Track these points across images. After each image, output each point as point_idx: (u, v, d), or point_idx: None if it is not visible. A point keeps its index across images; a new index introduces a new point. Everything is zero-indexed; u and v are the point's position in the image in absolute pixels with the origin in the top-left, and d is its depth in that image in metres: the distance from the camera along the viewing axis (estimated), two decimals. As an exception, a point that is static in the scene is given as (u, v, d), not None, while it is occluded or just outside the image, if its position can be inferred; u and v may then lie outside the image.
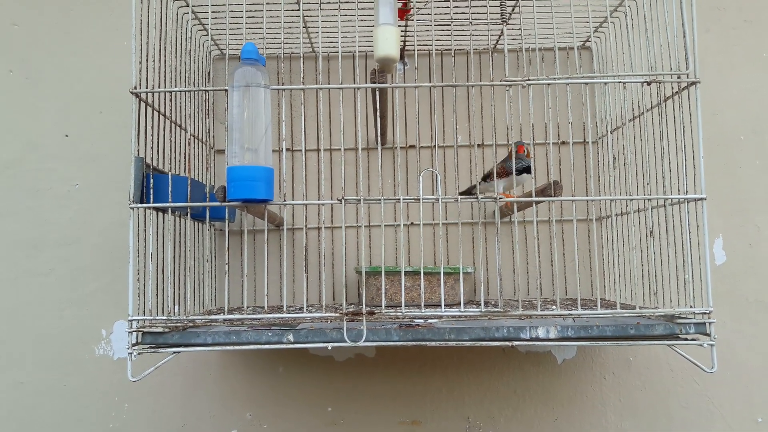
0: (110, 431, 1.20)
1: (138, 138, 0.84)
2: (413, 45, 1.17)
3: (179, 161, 0.98)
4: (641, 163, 0.99)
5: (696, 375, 1.20)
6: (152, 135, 0.88)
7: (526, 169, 1.02)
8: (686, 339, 0.84)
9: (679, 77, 0.86)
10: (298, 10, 0.98)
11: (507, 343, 0.82)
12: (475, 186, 1.07)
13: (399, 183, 1.11)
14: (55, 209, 1.23)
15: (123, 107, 1.23)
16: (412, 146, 1.23)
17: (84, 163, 1.24)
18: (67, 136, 1.24)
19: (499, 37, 1.18)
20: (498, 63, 1.24)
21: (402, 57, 1.22)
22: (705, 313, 0.84)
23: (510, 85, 0.83)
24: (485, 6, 0.97)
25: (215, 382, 1.21)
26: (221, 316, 0.84)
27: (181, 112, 1.00)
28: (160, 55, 0.91)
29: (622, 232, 1.10)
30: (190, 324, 0.86)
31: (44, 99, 1.25)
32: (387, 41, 0.78)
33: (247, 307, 1.12)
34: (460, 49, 1.24)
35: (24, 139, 1.24)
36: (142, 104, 0.86)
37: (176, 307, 0.92)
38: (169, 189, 0.84)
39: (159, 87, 0.89)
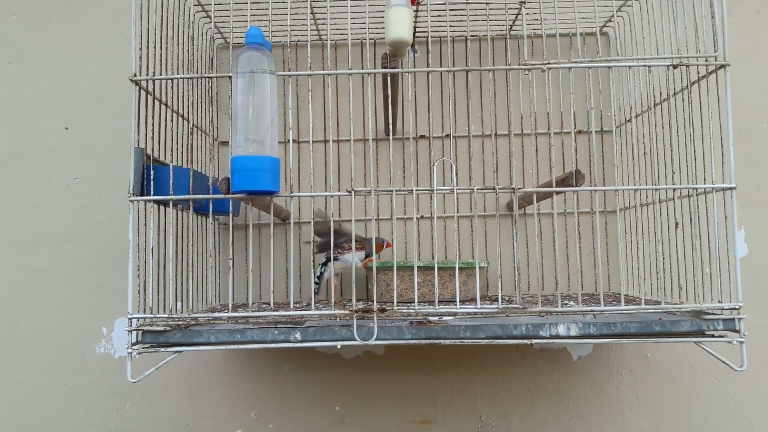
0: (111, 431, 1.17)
1: (138, 128, 0.81)
2: (426, 31, 1.12)
3: (181, 152, 0.94)
4: (666, 151, 0.95)
5: (717, 372, 1.16)
6: (153, 125, 0.84)
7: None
8: (713, 336, 0.80)
9: (707, 60, 0.81)
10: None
11: (526, 341, 0.78)
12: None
13: (410, 174, 1.07)
14: (55, 204, 1.19)
15: (124, 98, 1.18)
16: (424, 136, 1.19)
17: (85, 157, 1.20)
18: (67, 128, 1.21)
19: (515, 20, 1.13)
20: (513, 50, 1.19)
21: (413, 45, 1.18)
22: (734, 309, 0.80)
23: (529, 69, 0.78)
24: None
25: (219, 381, 1.18)
26: (225, 314, 0.81)
27: (183, 101, 0.96)
28: (161, 41, 0.87)
29: (645, 224, 1.06)
30: (193, 322, 0.82)
31: (44, 91, 1.22)
32: (399, 23, 0.74)
33: (252, 304, 1.08)
34: (474, 35, 1.20)
35: (23, 132, 1.21)
36: (142, 93, 0.83)
37: (178, 304, 0.88)
38: (171, 181, 0.81)
39: (160, 75, 0.86)
